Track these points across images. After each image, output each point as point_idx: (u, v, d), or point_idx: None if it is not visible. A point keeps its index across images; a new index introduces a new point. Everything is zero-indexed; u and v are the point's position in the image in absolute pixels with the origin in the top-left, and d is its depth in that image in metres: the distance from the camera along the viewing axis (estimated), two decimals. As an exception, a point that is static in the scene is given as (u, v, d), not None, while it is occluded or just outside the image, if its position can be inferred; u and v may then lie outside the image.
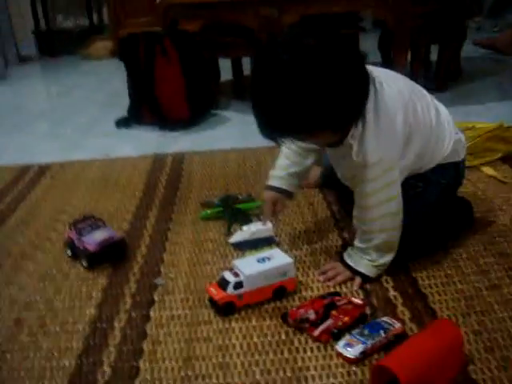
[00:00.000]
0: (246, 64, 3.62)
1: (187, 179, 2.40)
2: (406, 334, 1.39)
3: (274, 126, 1.40)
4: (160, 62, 3.06)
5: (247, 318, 1.50)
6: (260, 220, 1.89)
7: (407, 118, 1.52)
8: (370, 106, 1.44)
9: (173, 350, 1.41)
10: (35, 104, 3.99)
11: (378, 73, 1.49)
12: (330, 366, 1.31)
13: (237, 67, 3.72)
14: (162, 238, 1.94)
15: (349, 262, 1.62)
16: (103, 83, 4.36)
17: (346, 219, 1.93)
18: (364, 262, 1.60)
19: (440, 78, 3.38)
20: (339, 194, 2.08)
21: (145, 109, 3.17)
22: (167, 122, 3.10)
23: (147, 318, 1.54)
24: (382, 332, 1.36)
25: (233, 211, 1.99)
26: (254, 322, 1.48)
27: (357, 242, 1.62)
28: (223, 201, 2.06)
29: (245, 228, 1.84)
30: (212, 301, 1.53)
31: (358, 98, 1.40)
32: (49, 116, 3.71)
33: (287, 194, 1.81)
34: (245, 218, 1.93)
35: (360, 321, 1.43)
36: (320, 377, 1.29)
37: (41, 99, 4.22)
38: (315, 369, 1.31)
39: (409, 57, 3.17)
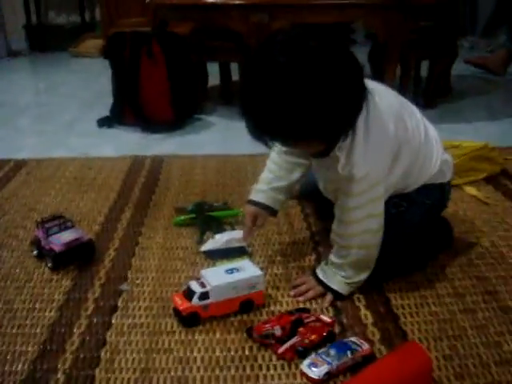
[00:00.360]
0: (234, 69, 3.58)
1: (164, 183, 2.35)
2: (374, 356, 1.34)
3: (263, 129, 1.34)
4: (145, 63, 3.01)
5: (211, 330, 1.44)
6: (234, 229, 1.84)
7: (397, 132, 1.47)
8: (361, 118, 1.38)
9: (131, 360, 1.35)
10: (20, 99, 3.93)
11: (370, 85, 1.42)
12: (292, 386, 1.26)
13: (225, 72, 3.67)
14: (132, 242, 1.88)
15: (321, 277, 1.57)
16: (90, 82, 4.31)
17: (323, 233, 1.88)
18: (337, 278, 1.54)
19: (429, 95, 3.35)
20: (317, 207, 2.04)
21: (128, 109, 3.12)
22: (150, 124, 3.05)
23: (108, 324, 1.48)
24: (349, 353, 1.30)
25: (206, 218, 1.93)
26: (217, 335, 1.43)
27: (332, 257, 1.56)
28: (197, 207, 2.01)
29: (217, 236, 1.78)
30: (176, 310, 1.47)
31: (353, 109, 1.34)
32: (32, 112, 3.65)
33: (270, 211, 1.74)
34: (218, 226, 1.88)
35: (328, 339, 1.37)
36: (281, 397, 1.24)
37: (26, 94, 4.16)
38: (277, 388, 1.26)
39: (398, 71, 3.14)
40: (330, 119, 1.29)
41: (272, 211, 1.74)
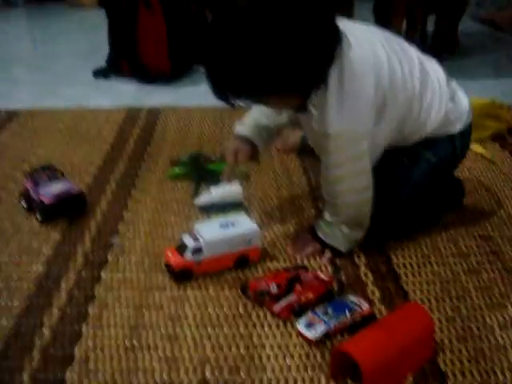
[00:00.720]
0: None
1: (160, 135, 2.28)
2: (374, 316, 1.29)
3: (225, 84, 1.25)
4: (143, 13, 2.89)
5: (204, 286, 1.39)
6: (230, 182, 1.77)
7: (380, 83, 1.34)
8: (334, 70, 1.28)
9: (120, 316, 1.30)
10: (15, 50, 3.82)
11: (351, 28, 1.32)
12: (287, 346, 1.21)
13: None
14: (125, 194, 1.82)
15: (319, 234, 1.51)
16: (87, 33, 4.19)
17: (320, 185, 1.82)
18: (335, 234, 1.48)
19: (435, 49, 3.25)
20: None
21: (124, 60, 3.02)
22: (147, 75, 2.96)
23: (97, 279, 1.43)
24: (347, 312, 1.25)
25: (202, 171, 1.86)
26: (211, 292, 1.37)
27: (326, 215, 1.50)
28: (192, 159, 1.94)
29: (213, 190, 1.71)
30: (168, 266, 1.41)
31: (324, 56, 1.24)
32: (27, 62, 3.55)
33: (252, 146, 1.64)
34: (214, 179, 1.80)
35: (325, 298, 1.32)
36: (276, 357, 1.18)
37: (21, 45, 4.04)
38: (271, 348, 1.21)
39: (404, 26, 3.04)
40: (297, 68, 1.19)
41: (253, 146, 1.64)
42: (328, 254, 1.49)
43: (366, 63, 1.32)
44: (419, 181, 1.53)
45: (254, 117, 1.64)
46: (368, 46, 1.35)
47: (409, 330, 1.14)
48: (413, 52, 1.48)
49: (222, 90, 1.27)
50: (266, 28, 1.14)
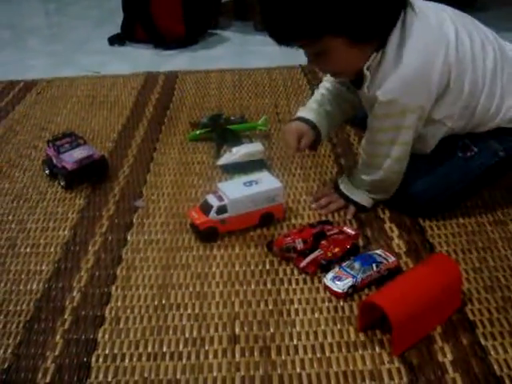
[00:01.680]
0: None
1: (179, 99, 2.27)
2: (401, 269, 1.28)
3: (282, 23, 1.22)
4: (156, -23, 2.88)
5: (230, 245, 1.40)
6: (252, 142, 1.77)
7: (447, 58, 1.27)
8: (394, 35, 1.24)
9: (148, 277, 1.31)
10: (29, 20, 3.81)
11: (419, 3, 1.29)
12: (315, 300, 1.22)
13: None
14: (146, 158, 1.82)
15: (343, 189, 1.50)
16: (101, 0, 4.17)
17: (344, 145, 1.82)
18: (360, 191, 1.48)
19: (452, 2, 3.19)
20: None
21: (139, 26, 3.01)
22: (162, 39, 2.94)
23: (124, 241, 1.44)
24: (374, 266, 1.25)
25: (222, 132, 1.85)
26: (236, 250, 1.38)
27: (357, 171, 1.49)
28: (212, 120, 1.93)
29: (234, 150, 1.71)
30: (193, 226, 1.42)
31: (386, 12, 1.22)
32: (42, 32, 3.54)
33: (315, 131, 1.54)
34: (235, 140, 1.80)
35: (351, 252, 1.32)
36: (304, 311, 1.19)
37: (36, 16, 4.03)
38: (299, 302, 1.21)
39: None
40: (357, 7, 1.17)
41: (316, 131, 1.54)
42: (352, 209, 1.48)
43: (430, 36, 1.27)
44: (482, 172, 1.43)
45: (319, 102, 1.57)
46: (435, 19, 1.30)
47: (436, 280, 1.14)
48: (488, 31, 1.40)
49: (280, 29, 1.24)
50: None
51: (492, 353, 1.08)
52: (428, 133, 1.38)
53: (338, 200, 1.50)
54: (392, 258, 1.28)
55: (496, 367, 1.05)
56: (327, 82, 1.58)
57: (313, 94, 1.61)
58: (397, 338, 1.08)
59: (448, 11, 1.36)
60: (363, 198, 1.48)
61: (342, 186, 1.51)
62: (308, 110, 1.56)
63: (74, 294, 1.27)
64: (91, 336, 1.16)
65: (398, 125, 1.33)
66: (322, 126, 1.54)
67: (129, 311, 1.22)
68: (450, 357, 1.07)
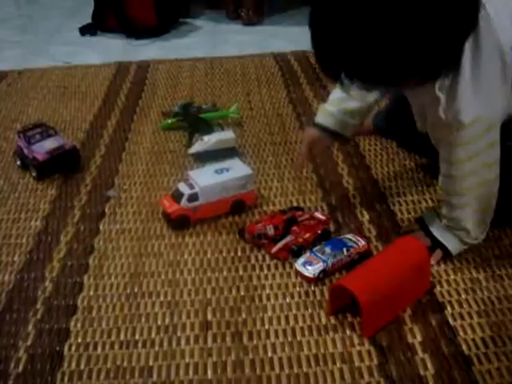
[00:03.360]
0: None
1: (151, 88, 2.26)
2: (371, 253, 1.30)
3: (341, 64, 1.01)
4: (127, -36, 2.86)
5: (202, 232, 1.40)
6: (223, 130, 1.77)
7: None
8: (467, 45, 1.05)
9: (120, 266, 1.31)
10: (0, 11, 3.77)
11: None
12: (287, 285, 1.23)
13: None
14: (118, 148, 1.82)
15: (434, 231, 1.29)
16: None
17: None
18: (451, 234, 1.27)
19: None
20: (402, 141, 1.72)
21: (110, 15, 2.98)
22: (134, 29, 2.92)
23: (96, 231, 1.43)
24: (344, 250, 1.26)
25: (194, 120, 1.85)
26: (209, 237, 1.38)
27: (445, 214, 1.27)
28: (184, 108, 1.92)
29: (206, 138, 1.71)
30: (165, 214, 1.42)
31: (461, 30, 0.99)
32: (12, 23, 3.49)
33: (337, 137, 1.47)
34: (207, 128, 1.80)
35: (322, 238, 1.33)
36: (276, 296, 1.20)
37: (5, 6, 3.98)
38: (271, 288, 1.22)
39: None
40: (429, 50, 0.96)
41: (341, 138, 1.47)
42: (439, 254, 1.29)
43: (505, 33, 1.10)
44: None
45: (338, 101, 1.42)
46: (509, 17, 1.12)
47: (404, 262, 1.16)
48: None
49: (338, 68, 1.03)
50: (399, 5, 0.91)
51: (461, 333, 1.10)
52: None
53: (426, 240, 1.29)
54: (362, 242, 1.29)
55: (464, 347, 1.07)
56: None
57: (285, 82, 1.58)
58: (366, 320, 1.09)
59: None
60: (455, 245, 1.28)
61: (431, 227, 1.30)
62: (323, 114, 1.45)
63: (46, 284, 1.27)
64: (63, 325, 1.16)
65: (489, 142, 1.15)
66: (343, 127, 1.43)
67: (101, 300, 1.22)
68: (419, 338, 1.09)
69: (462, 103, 1.09)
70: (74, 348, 1.10)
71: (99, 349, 1.10)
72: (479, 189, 1.19)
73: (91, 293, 1.24)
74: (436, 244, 1.28)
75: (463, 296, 1.18)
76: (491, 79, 1.11)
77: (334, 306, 1.14)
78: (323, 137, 1.45)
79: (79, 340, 1.12)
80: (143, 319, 1.16)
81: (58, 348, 1.11)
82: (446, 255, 1.28)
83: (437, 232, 1.28)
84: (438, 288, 1.20)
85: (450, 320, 1.13)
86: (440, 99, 1.10)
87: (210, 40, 2.87)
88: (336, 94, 1.43)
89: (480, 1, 1.00)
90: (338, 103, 1.42)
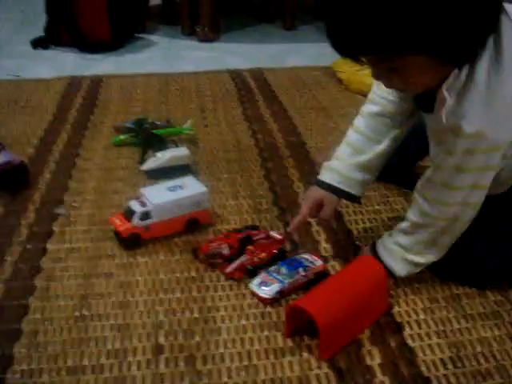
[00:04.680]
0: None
1: (103, 104, 2.22)
2: (328, 273, 1.28)
3: (354, 33, 0.95)
4: (80, -22, 2.81)
5: (154, 251, 1.36)
6: (177, 147, 1.74)
7: None
8: (486, 53, 1.00)
9: (68, 287, 1.26)
10: None
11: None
12: (242, 307, 1.19)
13: (167, -10, 3.48)
14: (68, 164, 1.77)
15: (380, 251, 1.25)
16: (24, 2, 4.06)
17: (271, 149, 1.82)
18: (399, 254, 1.22)
19: None
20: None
21: (63, 29, 2.93)
22: (87, 43, 2.87)
23: (43, 251, 1.38)
24: (301, 270, 1.24)
25: (147, 136, 1.81)
26: (161, 257, 1.35)
27: (403, 227, 1.22)
28: (137, 124, 1.89)
29: (159, 154, 1.67)
30: (116, 233, 1.38)
31: (480, 19, 0.94)
32: (-39, 36, 3.42)
33: (346, 196, 1.32)
34: (160, 144, 1.76)
35: (278, 257, 1.31)
36: (230, 318, 1.17)
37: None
38: (225, 309, 1.19)
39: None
40: (452, 29, 0.92)
41: (350, 196, 1.32)
42: None
43: None
44: None
45: (345, 156, 1.31)
46: None
47: (362, 283, 1.14)
48: None
49: (351, 40, 0.97)
50: None
51: (420, 354, 1.08)
52: (505, 168, 1.13)
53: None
54: (319, 262, 1.27)
55: (424, 368, 1.05)
56: (359, 119, 1.31)
57: (241, 99, 1.55)
58: (324, 342, 1.07)
59: None
60: (400, 266, 1.23)
61: (379, 247, 1.26)
62: (328, 171, 1.33)
63: (-10, 306, 1.21)
64: (7, 351, 1.10)
65: (484, 165, 1.08)
66: (352, 184, 1.31)
67: (48, 323, 1.16)
68: (378, 360, 1.07)
69: (468, 110, 1.02)
70: (18, 375, 1.05)
71: (45, 376, 1.04)
72: (459, 207, 1.13)
73: (37, 316, 1.18)
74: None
75: (422, 316, 1.17)
76: (508, 98, 1.02)
77: (290, 327, 1.11)
78: (328, 196, 1.32)
79: (24, 367, 1.06)
80: (92, 343, 1.11)
81: (0, 375, 1.05)
82: (392, 277, 1.23)
83: (383, 251, 1.24)
84: (397, 308, 1.19)
85: (409, 341, 1.11)
86: (445, 99, 1.03)
87: (165, 56, 2.84)
88: (342, 149, 1.32)
89: (501, 4, 0.97)
90: (345, 158, 1.31)
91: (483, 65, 1.00)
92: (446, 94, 1.02)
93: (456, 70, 1.01)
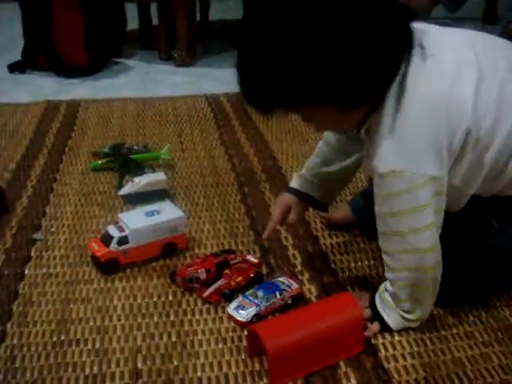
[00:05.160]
0: (154, 12, 3.41)
1: (81, 128, 2.23)
2: (304, 296, 1.29)
3: (261, 88, 1.00)
4: (58, 2, 2.82)
5: (132, 276, 1.37)
6: (154, 172, 1.75)
7: (461, 119, 1.02)
8: (393, 90, 1.02)
9: (46, 312, 1.26)
10: None
11: (433, 37, 1.06)
12: (219, 330, 1.20)
13: (144, 15, 3.49)
14: (46, 189, 1.77)
15: (377, 301, 1.20)
16: (1, 27, 4.06)
17: (247, 173, 1.84)
18: (394, 310, 1.18)
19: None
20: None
21: (40, 53, 2.94)
22: (64, 68, 2.88)
23: (21, 276, 1.38)
24: (277, 293, 1.25)
25: (125, 161, 1.83)
26: (139, 282, 1.35)
27: (387, 282, 1.19)
28: (114, 149, 1.90)
29: (137, 180, 1.68)
30: (94, 258, 1.38)
31: (383, 63, 0.98)
32: None
33: (313, 202, 1.38)
34: (138, 169, 1.78)
35: (255, 281, 1.32)
36: (208, 342, 1.17)
37: None
38: (203, 333, 1.19)
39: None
40: (345, 79, 0.96)
41: (317, 204, 1.39)
42: (376, 328, 1.19)
43: (437, 92, 1.02)
44: (507, 254, 1.22)
45: (313, 166, 1.37)
46: (451, 65, 1.04)
47: (332, 317, 1.13)
48: None
49: (259, 94, 1.02)
50: (315, 29, 0.93)
51: (395, 375, 1.09)
52: (449, 197, 1.09)
53: (365, 309, 1.21)
54: (295, 285, 1.28)
55: (399, 390, 1.06)
56: (328, 134, 1.36)
57: (218, 124, 1.57)
58: (272, 368, 1.07)
59: (478, 48, 1.09)
60: (396, 321, 1.19)
61: (377, 299, 1.21)
62: (297, 178, 1.38)
63: (-35, 334, 1.21)
64: (-17, 377, 1.10)
65: (412, 207, 1.05)
66: (319, 191, 1.36)
67: (25, 349, 1.16)
68: (354, 381, 1.08)
69: (381, 150, 1.04)
70: (-5, 401, 1.05)
71: (23, 401, 1.05)
72: (407, 256, 1.10)
73: (14, 341, 1.18)
74: (376, 316, 1.20)
75: (396, 338, 1.18)
76: (420, 132, 1.02)
77: (253, 349, 1.12)
78: (295, 201, 1.36)
79: (1, 392, 1.07)
80: (70, 368, 1.11)
81: (-22, 401, 1.05)
82: (386, 329, 1.19)
83: (379, 304, 1.20)
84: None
85: (384, 363, 1.12)
86: (365, 142, 1.08)
87: (142, 80, 2.86)
88: (311, 160, 1.38)
89: (412, 36, 1.01)
90: (311, 168, 1.37)
91: (389, 105, 1.03)
92: (364, 136, 1.07)
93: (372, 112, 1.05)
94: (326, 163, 1.35)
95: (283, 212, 1.36)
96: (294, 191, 1.37)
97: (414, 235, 1.07)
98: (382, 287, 1.21)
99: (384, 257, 1.16)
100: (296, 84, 0.96)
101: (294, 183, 1.38)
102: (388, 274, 1.16)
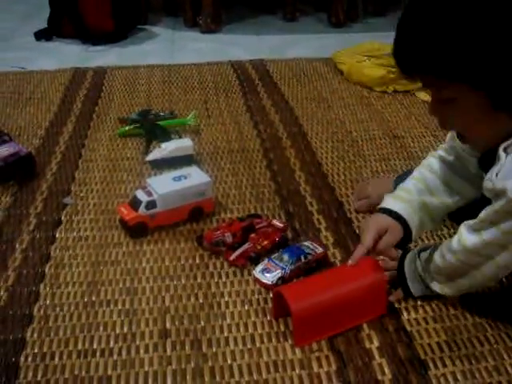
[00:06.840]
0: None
1: (107, 95, 2.25)
2: (329, 260, 1.31)
3: (410, 51, 0.96)
4: (84, -31, 2.84)
5: (160, 240, 1.40)
6: (181, 137, 1.77)
7: None
8: None
9: (77, 274, 1.29)
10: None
11: None
12: (245, 292, 1.23)
13: (169, -19, 3.50)
14: (74, 155, 1.80)
15: (405, 269, 1.19)
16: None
17: (273, 139, 1.84)
18: (421, 284, 1.18)
19: (379, 1, 3.24)
20: None
21: (67, 20, 2.95)
22: (90, 35, 2.90)
23: (52, 239, 1.41)
24: (302, 257, 1.27)
25: (151, 127, 1.85)
26: (166, 245, 1.38)
27: (428, 261, 1.14)
28: (141, 115, 1.92)
29: (163, 145, 1.71)
30: (123, 221, 1.41)
31: None
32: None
33: (404, 229, 1.19)
34: (164, 135, 1.80)
35: (280, 245, 1.34)
36: (234, 303, 1.20)
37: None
38: (229, 295, 1.22)
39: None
40: (505, 67, 0.90)
41: (405, 229, 1.19)
42: (399, 294, 1.20)
43: None
44: None
45: (415, 191, 1.21)
46: None
47: (356, 281, 1.15)
48: None
49: (409, 57, 0.97)
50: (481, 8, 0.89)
51: (417, 338, 1.11)
52: None
53: (392, 271, 1.21)
54: (320, 249, 1.30)
55: (420, 351, 1.08)
56: (433, 159, 1.23)
57: (243, 90, 1.57)
58: (297, 329, 1.09)
59: None
60: (418, 290, 1.19)
61: (406, 265, 1.18)
62: (395, 199, 1.21)
63: (1, 293, 1.24)
64: (19, 335, 1.13)
65: None
66: (413, 221, 1.19)
67: (58, 309, 1.20)
68: (376, 343, 1.10)
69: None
70: (30, 359, 1.08)
71: (56, 359, 1.08)
72: (491, 267, 1.03)
73: (48, 302, 1.22)
74: (401, 282, 1.19)
75: (419, 302, 1.19)
76: None
77: (278, 311, 1.15)
78: (394, 225, 1.18)
79: (36, 350, 1.10)
80: (101, 328, 1.15)
81: (13, 359, 1.08)
82: (407, 295, 1.20)
83: (408, 270, 1.18)
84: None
85: (407, 325, 1.14)
86: (500, 159, 0.95)
87: (168, 47, 2.87)
88: (411, 183, 1.23)
89: None
90: (415, 193, 1.21)
91: None
92: (501, 153, 0.95)
93: None
94: (429, 193, 1.20)
95: (376, 238, 1.17)
96: (394, 214, 1.19)
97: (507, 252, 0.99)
98: (411, 255, 1.19)
99: (456, 244, 1.05)
100: (451, 54, 0.91)
101: (397, 205, 1.19)
102: (448, 255, 1.07)
